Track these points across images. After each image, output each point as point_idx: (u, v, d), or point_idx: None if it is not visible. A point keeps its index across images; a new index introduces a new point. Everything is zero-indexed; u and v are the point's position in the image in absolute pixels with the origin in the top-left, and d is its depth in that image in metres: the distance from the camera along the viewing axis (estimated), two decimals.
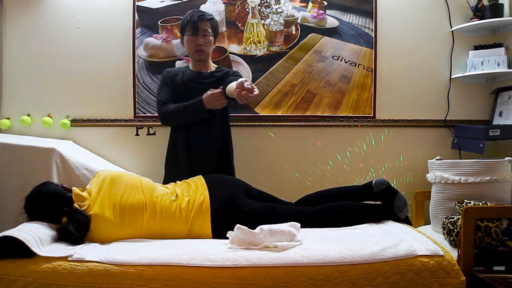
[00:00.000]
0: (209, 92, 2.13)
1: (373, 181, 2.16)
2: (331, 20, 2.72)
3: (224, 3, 2.67)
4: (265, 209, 1.98)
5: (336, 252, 1.60)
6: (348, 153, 2.75)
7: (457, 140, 2.67)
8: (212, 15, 2.36)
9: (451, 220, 2.10)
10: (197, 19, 2.27)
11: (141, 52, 2.64)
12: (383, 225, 2.02)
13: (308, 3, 2.70)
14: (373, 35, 2.72)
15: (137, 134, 2.66)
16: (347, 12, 2.72)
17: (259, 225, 1.74)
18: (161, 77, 2.39)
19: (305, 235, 1.82)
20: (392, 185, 2.17)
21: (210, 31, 2.31)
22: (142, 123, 2.64)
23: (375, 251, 1.61)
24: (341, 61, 2.72)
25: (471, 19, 2.67)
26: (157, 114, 2.42)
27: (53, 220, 1.76)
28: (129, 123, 2.64)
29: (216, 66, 2.44)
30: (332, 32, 2.72)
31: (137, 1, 2.63)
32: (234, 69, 2.66)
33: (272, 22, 2.69)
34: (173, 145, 2.35)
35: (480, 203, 2.13)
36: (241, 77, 2.27)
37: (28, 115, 2.59)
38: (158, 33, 2.65)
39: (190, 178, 2.04)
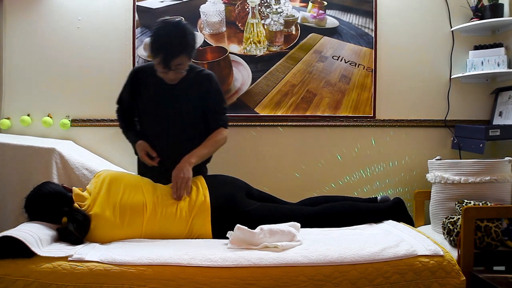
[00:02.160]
0: (142, 147, 2.07)
1: (378, 198, 2.26)
2: (331, 20, 2.72)
3: (224, 3, 2.67)
4: (265, 209, 1.98)
5: (336, 252, 1.60)
6: (348, 153, 2.75)
7: (457, 140, 2.67)
8: (188, 38, 1.94)
9: (451, 220, 2.10)
10: (170, 57, 1.90)
11: (141, 52, 2.64)
12: (383, 225, 2.02)
13: (308, 3, 2.70)
14: (373, 35, 2.72)
15: None
16: (347, 12, 2.72)
17: (259, 225, 1.75)
18: (129, 74, 2.19)
19: (305, 235, 1.82)
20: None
21: (185, 63, 1.97)
22: None
23: (375, 251, 1.61)
24: (341, 61, 2.72)
25: (471, 19, 2.67)
26: None
27: (53, 220, 1.76)
28: None
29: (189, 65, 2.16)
30: (332, 32, 2.72)
31: (137, 1, 2.63)
32: (234, 69, 2.66)
33: (272, 22, 2.69)
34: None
35: (480, 203, 2.13)
36: (212, 78, 2.13)
37: (28, 115, 2.59)
38: None
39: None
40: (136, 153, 2.15)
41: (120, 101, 2.25)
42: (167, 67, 1.93)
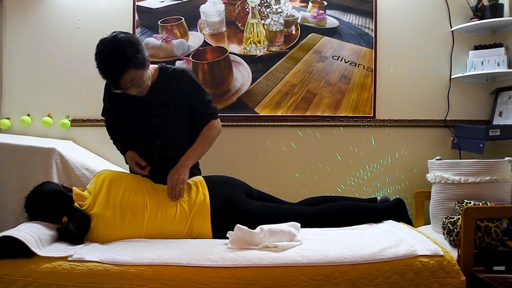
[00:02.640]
0: (131, 157, 2.02)
1: (378, 198, 2.26)
2: (331, 20, 2.72)
3: (224, 3, 2.67)
4: (265, 209, 1.98)
5: (336, 252, 1.60)
6: (348, 153, 2.75)
7: (457, 140, 2.67)
8: (127, 50, 1.78)
9: (451, 220, 2.10)
10: (117, 79, 1.79)
11: None
12: (383, 225, 2.02)
13: (308, 3, 2.70)
14: (373, 35, 2.72)
15: None
16: (347, 12, 2.72)
17: (259, 225, 1.75)
18: (104, 86, 2.10)
19: (305, 235, 1.82)
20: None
21: (139, 76, 1.84)
22: None
23: (375, 251, 1.62)
24: (341, 61, 2.72)
25: (471, 19, 2.67)
26: None
27: (53, 220, 1.76)
28: None
29: (156, 68, 2.03)
30: (332, 32, 2.72)
31: (137, 1, 2.63)
32: (234, 69, 2.66)
33: (272, 22, 2.69)
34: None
35: (480, 203, 2.13)
36: (185, 73, 2.03)
37: (28, 115, 2.59)
38: (158, 33, 2.65)
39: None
40: (127, 163, 2.11)
41: (103, 113, 2.21)
42: (121, 88, 1.84)
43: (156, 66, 2.04)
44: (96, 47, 1.83)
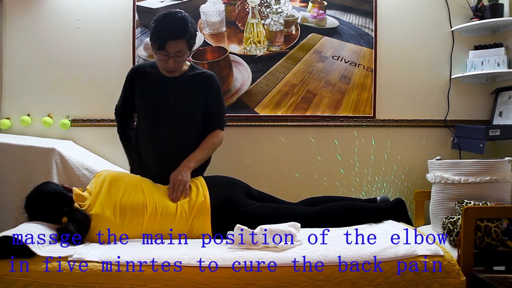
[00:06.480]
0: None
1: (378, 198, 2.27)
2: (331, 20, 2.72)
3: (224, 3, 2.67)
4: (265, 209, 1.98)
5: (336, 252, 1.60)
6: (348, 153, 2.75)
7: (457, 140, 2.67)
8: (189, 26, 1.95)
9: (451, 220, 2.10)
10: (169, 39, 1.90)
11: (141, 52, 2.64)
12: (383, 225, 2.02)
13: (308, 3, 2.70)
14: (373, 35, 2.72)
15: None
16: (347, 12, 2.72)
17: (259, 225, 1.75)
18: (128, 73, 2.17)
19: (305, 235, 1.82)
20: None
21: (184, 52, 1.97)
22: None
23: (375, 251, 1.62)
24: (341, 61, 2.72)
25: (471, 19, 2.67)
26: None
27: (53, 220, 1.76)
28: None
29: (189, 64, 2.17)
30: (332, 32, 2.72)
31: (137, 1, 2.63)
32: (234, 69, 2.66)
33: (272, 22, 2.69)
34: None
35: (480, 203, 2.13)
36: (214, 79, 2.13)
37: (28, 115, 2.59)
38: None
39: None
40: (131, 171, 2.16)
41: (119, 107, 2.29)
42: (166, 50, 1.93)
43: (188, 62, 2.17)
44: (159, 15, 1.97)
